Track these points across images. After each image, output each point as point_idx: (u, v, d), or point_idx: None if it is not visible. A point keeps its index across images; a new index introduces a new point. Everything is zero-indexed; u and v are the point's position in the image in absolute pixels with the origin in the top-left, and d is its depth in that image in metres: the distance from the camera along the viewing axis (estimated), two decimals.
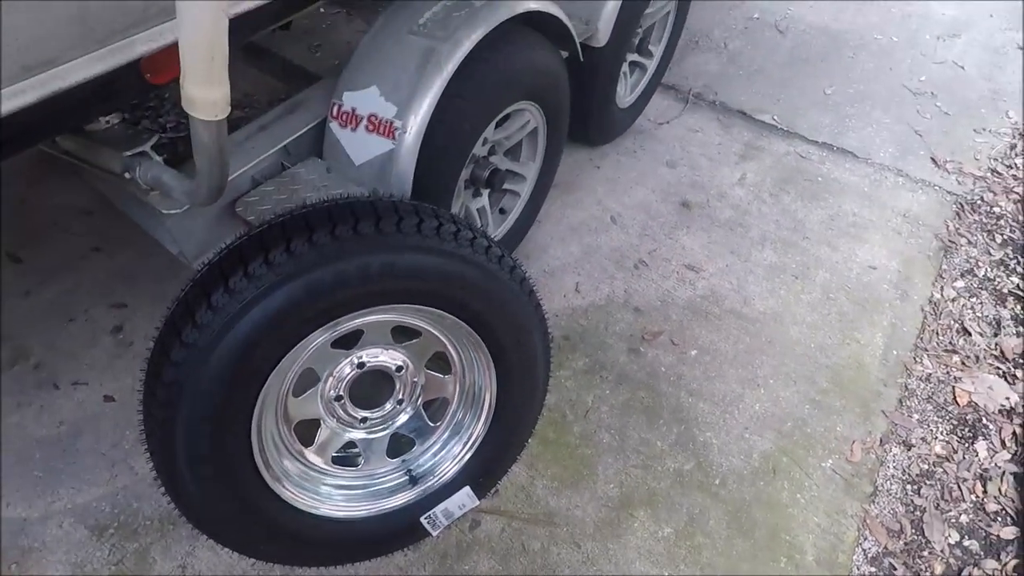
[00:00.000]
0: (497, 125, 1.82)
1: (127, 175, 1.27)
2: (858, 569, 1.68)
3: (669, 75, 3.13)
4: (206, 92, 0.91)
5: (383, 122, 1.45)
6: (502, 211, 2.17)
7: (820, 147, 2.94)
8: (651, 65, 2.74)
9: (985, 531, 1.77)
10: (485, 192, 1.99)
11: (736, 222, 2.56)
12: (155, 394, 1.14)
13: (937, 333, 2.24)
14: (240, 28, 1.32)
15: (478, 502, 1.62)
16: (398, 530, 1.55)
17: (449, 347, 1.46)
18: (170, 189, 1.22)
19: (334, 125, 1.51)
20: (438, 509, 1.56)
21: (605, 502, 1.76)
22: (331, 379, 1.39)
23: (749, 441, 1.91)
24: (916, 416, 2.01)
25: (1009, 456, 1.91)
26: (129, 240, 2.18)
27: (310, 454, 1.44)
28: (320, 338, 1.26)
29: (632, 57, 2.60)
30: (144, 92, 1.23)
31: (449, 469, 1.55)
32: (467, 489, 1.57)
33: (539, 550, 1.66)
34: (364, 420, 1.48)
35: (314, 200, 1.25)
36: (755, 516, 1.75)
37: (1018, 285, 2.41)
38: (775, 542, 1.71)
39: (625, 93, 2.68)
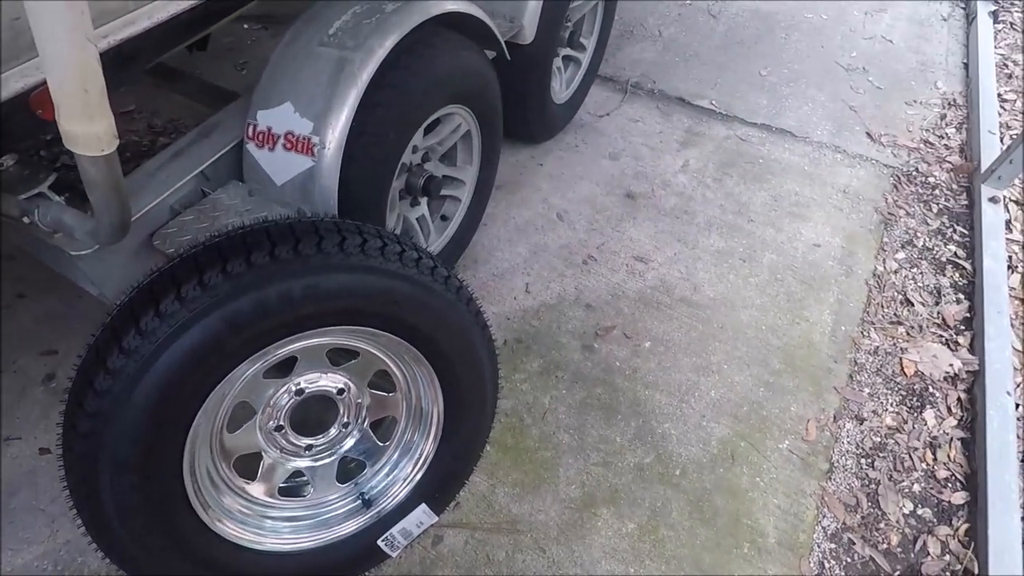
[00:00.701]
0: (427, 131, 1.78)
1: (25, 219, 1.19)
2: (819, 547, 1.70)
3: (605, 66, 3.13)
4: (86, 127, 0.85)
5: (300, 139, 1.39)
6: (444, 217, 2.13)
7: (759, 128, 2.98)
8: (585, 58, 2.73)
9: (937, 498, 1.81)
10: (423, 200, 1.95)
11: (681, 209, 2.57)
12: (72, 447, 1.08)
13: (882, 306, 2.29)
14: (140, 52, 1.26)
15: (436, 518, 1.58)
16: (355, 556, 1.51)
17: (390, 364, 1.41)
18: (71, 230, 1.15)
19: (251, 146, 1.45)
20: (395, 530, 1.52)
21: (568, 504, 1.74)
22: (268, 409, 1.33)
23: (707, 429, 1.92)
24: (867, 390, 2.04)
25: (956, 422, 1.96)
26: (54, 283, 2.08)
27: (253, 489, 1.39)
28: (250, 370, 1.21)
29: (564, 52, 2.58)
30: (38, 130, 1.16)
31: (402, 489, 1.51)
32: (423, 506, 1.54)
33: (504, 559, 1.64)
34: (309, 448, 1.43)
35: (235, 226, 1.19)
36: (716, 504, 1.76)
37: (955, 253, 2.47)
38: (737, 528, 1.72)
39: (561, 88, 2.67)
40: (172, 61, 2.11)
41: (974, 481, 1.82)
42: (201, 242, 1.13)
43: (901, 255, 2.47)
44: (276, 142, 1.42)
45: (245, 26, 2.91)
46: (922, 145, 2.95)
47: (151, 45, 1.27)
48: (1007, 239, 2.48)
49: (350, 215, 1.46)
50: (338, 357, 1.37)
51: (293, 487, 1.47)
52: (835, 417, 1.97)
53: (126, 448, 1.06)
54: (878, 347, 2.16)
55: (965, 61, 3.49)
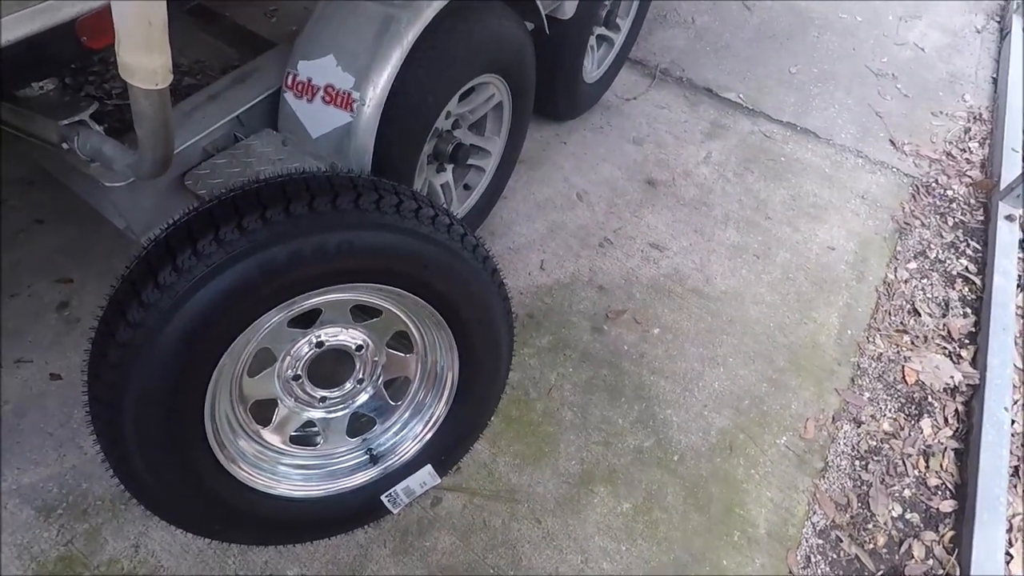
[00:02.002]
0: (461, 98, 1.77)
1: (64, 146, 1.19)
2: (807, 541, 1.74)
3: (636, 50, 3.10)
4: (144, 59, 0.85)
5: (340, 93, 1.39)
6: (466, 187, 2.14)
7: (784, 126, 2.97)
8: (618, 39, 2.70)
9: (926, 504, 1.85)
10: (449, 167, 1.95)
11: (700, 201, 2.58)
12: (100, 376, 1.09)
13: (890, 313, 2.31)
14: None
15: (439, 480, 1.62)
16: (359, 508, 1.54)
17: (411, 326, 1.43)
18: (111, 161, 1.15)
19: (289, 96, 1.45)
20: (399, 487, 1.55)
21: (566, 478, 1.78)
22: (288, 359, 1.35)
23: (708, 418, 1.95)
24: (867, 394, 2.07)
25: (951, 433, 2.00)
26: (74, 212, 2.08)
27: (267, 434, 1.41)
28: (276, 318, 1.22)
29: (599, 31, 2.56)
30: (81, 57, 1.15)
31: (410, 448, 1.54)
32: (429, 467, 1.57)
33: (500, 526, 1.68)
34: (323, 400, 1.46)
35: (268, 174, 1.19)
36: (711, 491, 1.80)
37: (967, 267, 2.49)
38: (729, 516, 1.76)
39: (592, 67, 2.65)
40: (204, 2, 2.08)
41: (964, 491, 1.86)
42: (240, 186, 1.14)
43: (913, 265, 2.48)
44: (315, 94, 1.42)
45: None
46: (944, 157, 2.95)
47: None
48: (1020, 258, 2.49)
49: (381, 174, 1.46)
50: (361, 314, 1.38)
51: (305, 436, 1.49)
52: (834, 418, 2.00)
53: (153, 381, 1.08)
54: (882, 353, 2.19)
55: (995, 76, 3.47)
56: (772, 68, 3.27)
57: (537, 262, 2.27)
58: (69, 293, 1.96)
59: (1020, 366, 2.18)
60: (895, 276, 2.43)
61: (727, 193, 2.62)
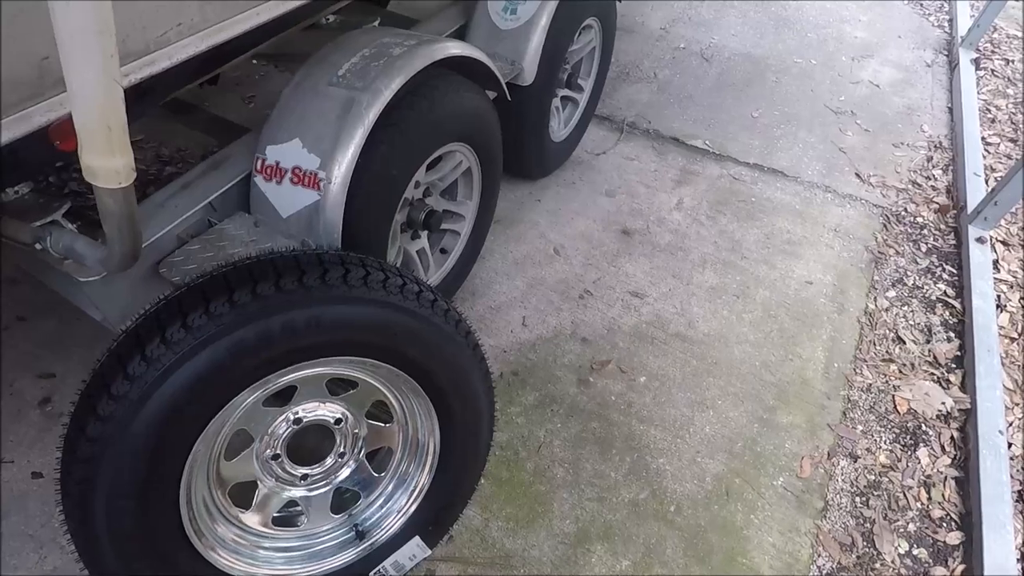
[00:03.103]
0: (429, 167, 1.83)
1: (38, 246, 1.22)
2: None
3: (602, 106, 3.21)
4: (106, 161, 0.88)
5: (307, 174, 1.44)
6: (443, 251, 2.17)
7: (752, 168, 3.05)
8: (582, 99, 2.81)
9: (932, 538, 1.81)
10: (423, 234, 1.99)
11: (676, 246, 2.62)
12: (71, 472, 1.08)
13: (874, 343, 2.32)
14: (155, 88, 1.30)
15: (430, 551, 1.58)
16: None
17: (388, 395, 1.43)
18: (83, 257, 1.18)
19: (259, 179, 1.49)
20: (387, 562, 1.51)
21: (562, 539, 1.74)
22: (266, 438, 1.34)
23: (702, 465, 1.92)
24: (860, 427, 2.06)
25: (949, 461, 1.97)
26: (54, 307, 2.09)
27: (247, 518, 1.38)
28: (250, 398, 1.22)
29: (563, 92, 2.66)
30: (54, 160, 1.19)
31: (397, 520, 1.51)
32: (417, 539, 1.53)
33: None
34: (305, 477, 1.43)
35: (240, 256, 1.22)
36: (711, 541, 1.75)
37: (945, 292, 2.52)
38: (732, 566, 1.71)
39: (559, 127, 2.74)
40: (182, 94, 2.17)
41: (969, 521, 1.82)
42: (208, 272, 1.16)
43: (892, 293, 2.51)
44: (284, 176, 1.46)
45: (255, 62, 2.99)
46: (910, 186, 3.03)
47: (168, 82, 1.32)
48: (995, 278, 2.52)
49: (353, 248, 1.49)
50: (337, 387, 1.38)
51: (287, 517, 1.46)
52: (829, 454, 1.97)
53: (125, 473, 1.07)
54: (871, 384, 2.18)
55: (950, 106, 3.60)
56: (735, 114, 3.38)
57: (519, 319, 2.29)
58: (51, 388, 1.95)
59: (1011, 386, 2.17)
60: (876, 305, 2.45)
61: (702, 236, 2.67)
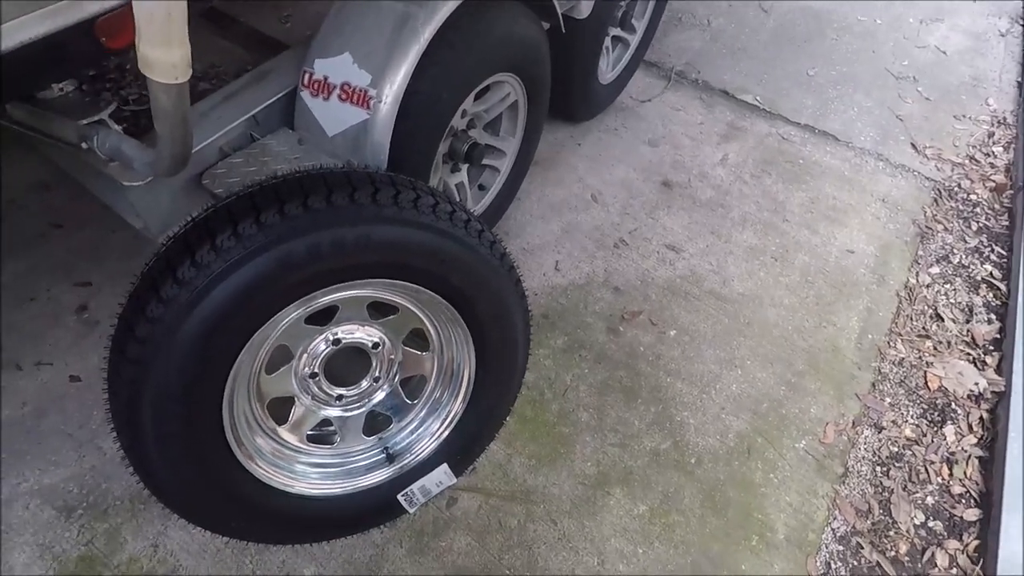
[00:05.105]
0: (476, 97, 1.77)
1: (84, 145, 1.20)
2: (827, 547, 1.70)
3: (652, 51, 3.09)
4: (164, 53, 0.85)
5: (357, 91, 1.39)
6: (481, 187, 2.13)
7: (802, 129, 2.94)
8: (634, 40, 2.69)
9: (949, 512, 1.81)
10: (464, 167, 1.95)
11: (717, 203, 2.55)
12: (120, 372, 1.10)
13: (911, 318, 2.27)
14: None
15: (455, 480, 1.61)
16: (374, 507, 1.54)
17: (427, 323, 1.43)
18: (130, 159, 1.16)
19: (305, 94, 1.45)
20: (415, 486, 1.55)
21: (582, 480, 1.76)
22: (305, 356, 1.35)
23: (725, 421, 1.92)
24: (888, 400, 2.04)
25: (975, 440, 1.95)
26: (91, 215, 2.10)
27: (284, 432, 1.41)
28: (293, 314, 1.22)
29: (615, 31, 2.55)
30: (100, 58, 1.16)
31: (427, 447, 1.53)
32: (444, 467, 1.56)
33: (516, 527, 1.66)
34: (340, 398, 1.45)
35: (285, 172, 1.20)
36: (729, 495, 1.77)
37: (991, 273, 2.44)
38: (747, 520, 1.73)
39: (607, 68, 2.64)
40: (219, 6, 2.10)
41: (989, 500, 1.82)
42: (258, 183, 1.14)
43: (935, 270, 2.44)
44: (332, 92, 1.42)
45: None
46: (967, 161, 2.90)
47: None
48: None
49: (397, 172, 1.46)
50: (377, 311, 1.38)
51: (322, 435, 1.49)
52: (854, 423, 1.96)
53: (172, 378, 1.08)
54: (903, 359, 2.15)
55: (1020, 79, 3.41)
56: (790, 70, 3.24)
57: (552, 263, 2.26)
58: (87, 296, 1.98)
59: None
60: (917, 281, 2.39)
61: (744, 195, 2.60)
